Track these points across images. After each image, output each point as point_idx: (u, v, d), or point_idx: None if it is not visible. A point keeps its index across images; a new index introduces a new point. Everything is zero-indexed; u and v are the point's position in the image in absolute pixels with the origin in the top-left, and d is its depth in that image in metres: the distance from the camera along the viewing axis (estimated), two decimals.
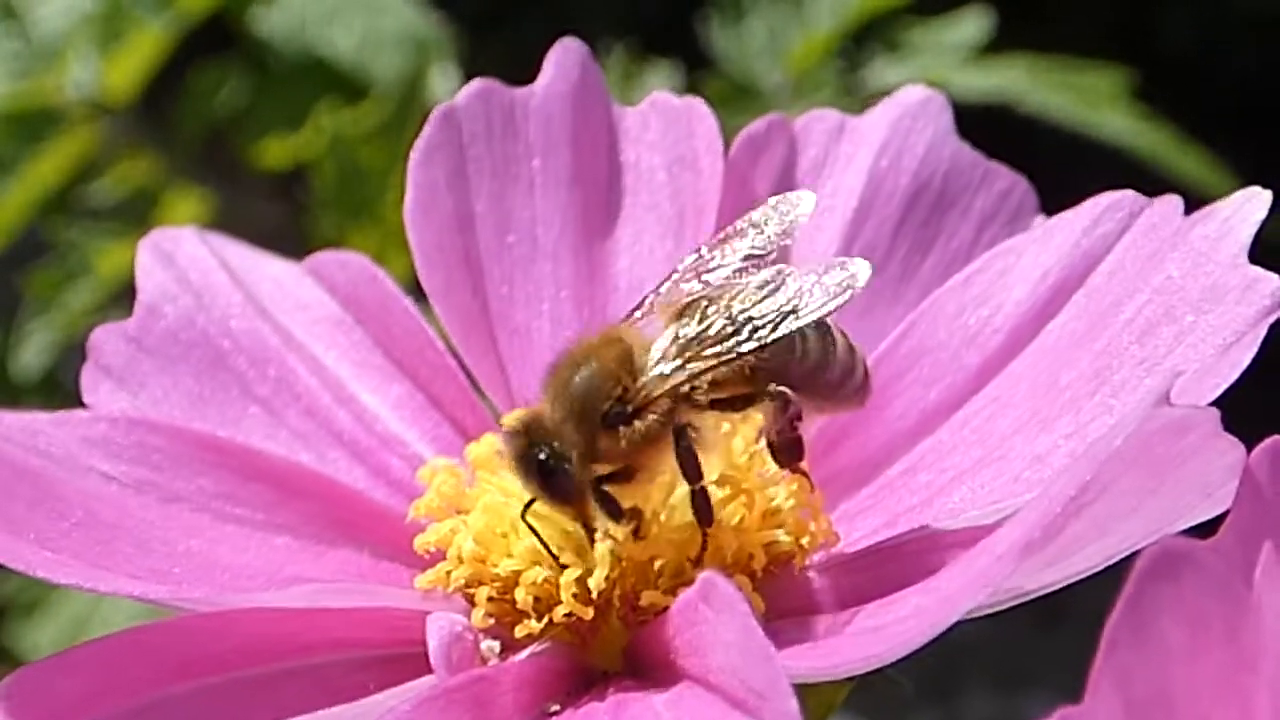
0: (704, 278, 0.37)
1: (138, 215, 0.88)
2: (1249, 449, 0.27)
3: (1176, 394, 0.29)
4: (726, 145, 0.41)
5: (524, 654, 0.34)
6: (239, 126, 0.92)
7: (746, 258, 0.37)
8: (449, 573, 0.35)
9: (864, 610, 0.34)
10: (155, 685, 0.32)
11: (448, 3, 0.97)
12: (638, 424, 0.35)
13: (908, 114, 0.41)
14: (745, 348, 0.35)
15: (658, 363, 0.35)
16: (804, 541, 0.36)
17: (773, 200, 0.39)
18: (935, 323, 0.38)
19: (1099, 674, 0.23)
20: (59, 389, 0.88)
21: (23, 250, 0.91)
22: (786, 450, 0.36)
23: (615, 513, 0.35)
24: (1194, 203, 0.36)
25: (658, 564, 0.35)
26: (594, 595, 0.34)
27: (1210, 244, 0.34)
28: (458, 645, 0.34)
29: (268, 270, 0.41)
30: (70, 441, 0.36)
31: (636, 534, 0.35)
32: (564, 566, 0.35)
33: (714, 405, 0.35)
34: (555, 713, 0.33)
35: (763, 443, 0.36)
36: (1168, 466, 0.29)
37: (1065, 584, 0.32)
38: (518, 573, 0.35)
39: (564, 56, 0.41)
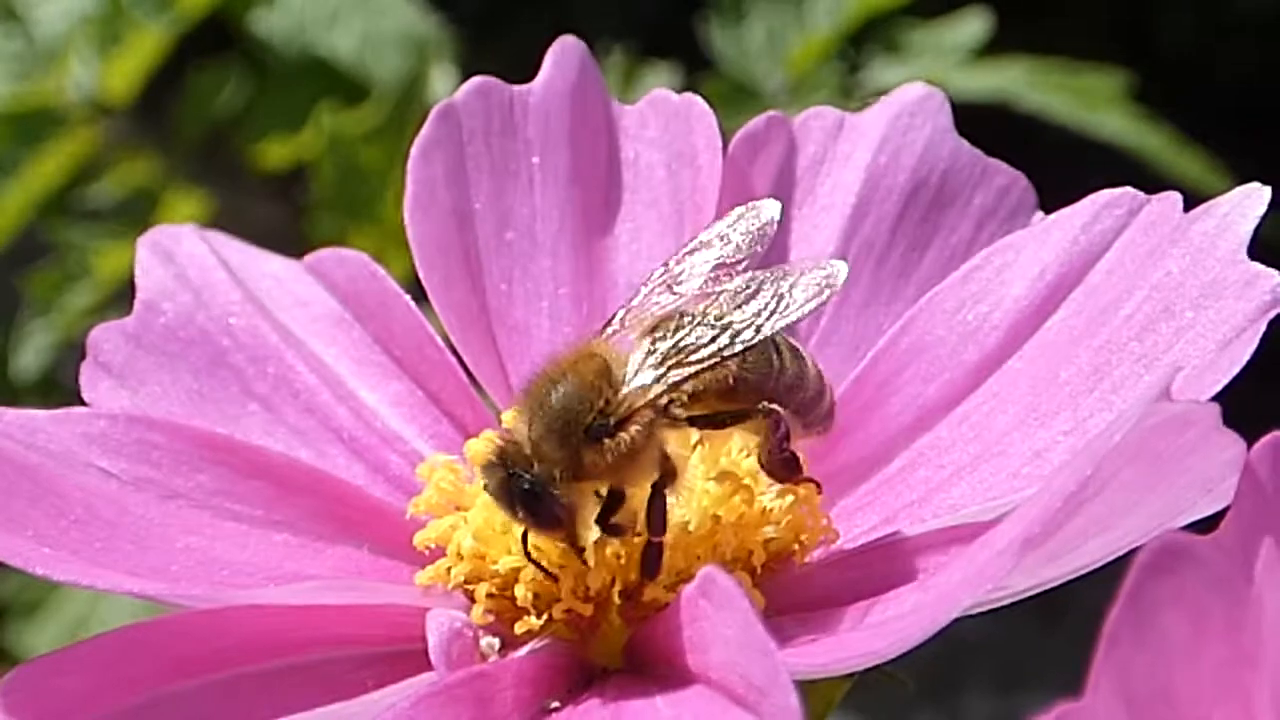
0: (675, 290, 0.37)
1: (137, 216, 0.89)
2: (1249, 444, 0.27)
3: (1176, 390, 0.29)
4: (725, 147, 0.41)
5: (524, 650, 0.34)
6: (239, 127, 0.92)
7: (716, 268, 0.37)
8: (449, 569, 0.35)
9: (864, 606, 0.34)
10: (154, 682, 0.32)
11: (447, 4, 0.97)
12: (622, 436, 0.34)
13: (906, 111, 0.41)
14: (729, 351, 0.34)
15: (637, 373, 0.35)
16: (803, 538, 0.36)
17: (737, 210, 0.38)
18: (934, 319, 0.38)
19: (1099, 669, 0.23)
20: (58, 389, 0.88)
21: (22, 251, 0.91)
22: (783, 467, 0.36)
23: (616, 532, 0.34)
24: (1193, 203, 0.36)
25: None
26: (592, 593, 0.34)
27: (1209, 240, 0.34)
28: (457, 642, 0.34)
29: (267, 267, 0.41)
30: (69, 438, 0.36)
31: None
32: (555, 578, 0.34)
33: (695, 422, 0.35)
34: (555, 709, 0.32)
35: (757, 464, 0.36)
36: (1168, 462, 0.29)
37: (1065, 581, 0.32)
38: (517, 569, 0.35)
39: (563, 54, 0.41)
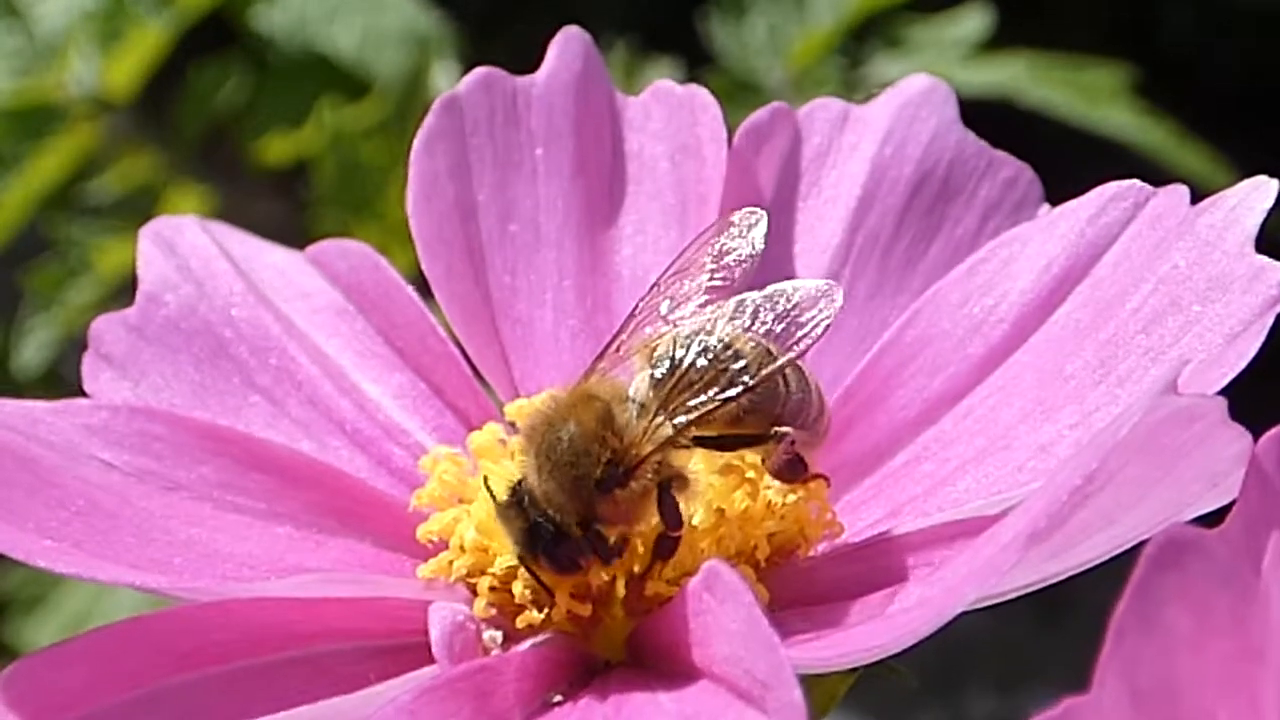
0: (670, 317, 0.37)
1: (139, 212, 0.88)
2: (1256, 438, 0.27)
3: (1183, 383, 0.29)
4: (729, 141, 0.41)
5: (526, 644, 0.34)
6: (240, 123, 0.92)
7: (709, 289, 0.37)
8: (451, 562, 0.35)
9: (868, 601, 0.33)
10: (156, 675, 0.32)
11: (448, 0, 0.97)
12: (633, 485, 0.34)
13: (912, 102, 0.41)
14: (732, 393, 0.34)
15: (640, 417, 0.34)
16: (808, 532, 0.35)
17: (732, 220, 0.38)
18: (939, 312, 0.38)
19: (1105, 663, 0.23)
20: (60, 385, 0.88)
21: (24, 247, 0.91)
22: (789, 470, 0.35)
23: (618, 553, 0.34)
24: (1197, 198, 0.36)
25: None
26: (593, 591, 0.34)
27: (1216, 233, 0.34)
28: (460, 635, 0.33)
29: (269, 259, 0.41)
30: (71, 430, 0.36)
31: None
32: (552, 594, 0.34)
33: (703, 443, 0.35)
34: (558, 703, 0.32)
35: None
36: (1174, 456, 0.29)
37: (1069, 575, 0.32)
38: (517, 566, 0.35)
39: (566, 46, 0.41)
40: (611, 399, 0.35)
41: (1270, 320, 0.33)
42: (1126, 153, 0.82)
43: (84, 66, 0.88)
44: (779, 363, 0.34)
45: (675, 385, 0.34)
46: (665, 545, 0.34)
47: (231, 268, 0.41)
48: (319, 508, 0.37)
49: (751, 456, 0.36)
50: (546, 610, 0.34)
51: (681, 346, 0.35)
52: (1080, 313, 0.36)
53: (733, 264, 0.37)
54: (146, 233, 0.41)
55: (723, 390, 0.34)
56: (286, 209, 0.97)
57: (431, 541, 0.36)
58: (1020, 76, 0.83)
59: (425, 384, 0.40)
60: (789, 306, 0.35)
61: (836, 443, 0.37)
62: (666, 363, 0.35)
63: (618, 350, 0.37)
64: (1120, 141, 0.82)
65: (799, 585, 0.35)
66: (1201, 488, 0.29)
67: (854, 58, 0.87)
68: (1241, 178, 0.35)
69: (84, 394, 0.39)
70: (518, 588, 0.34)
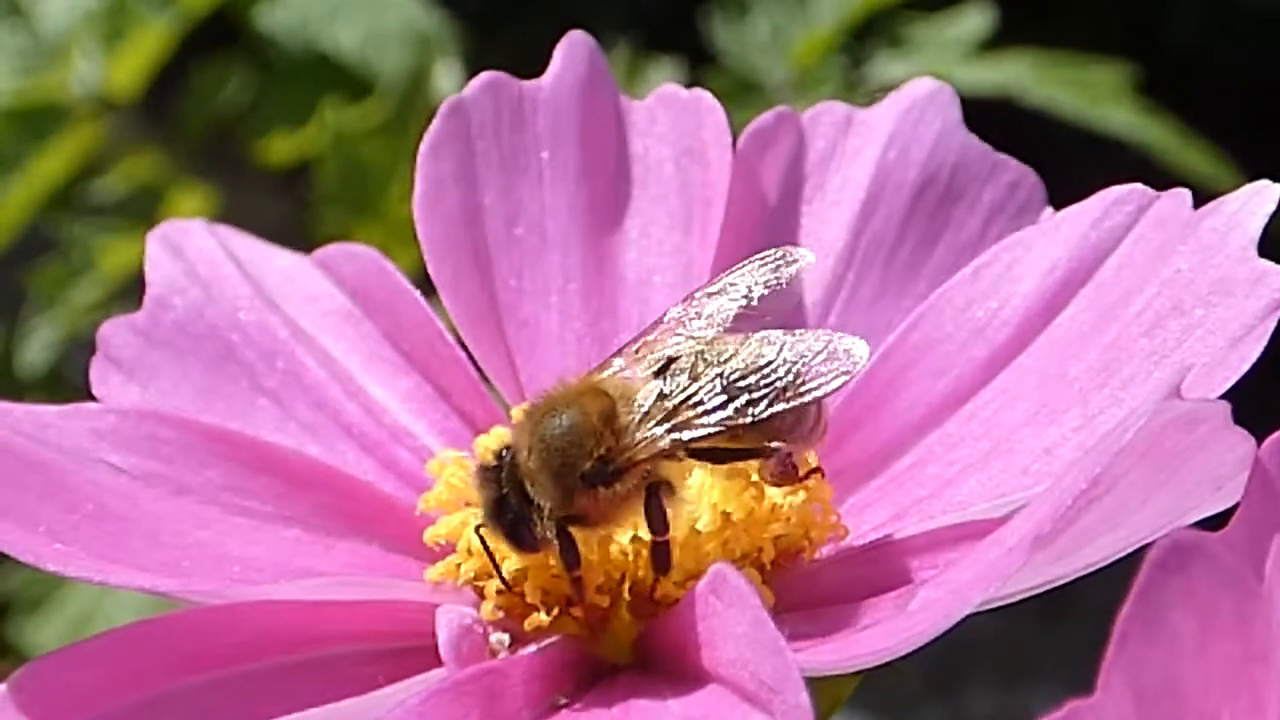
0: (692, 332, 0.37)
1: (142, 212, 0.88)
2: (1259, 442, 0.27)
3: (1186, 387, 0.29)
4: (732, 142, 0.41)
5: (534, 647, 0.34)
6: (243, 123, 0.92)
7: (736, 317, 0.37)
8: (459, 565, 0.35)
9: (873, 604, 0.34)
10: (165, 678, 0.32)
11: (451, 0, 0.97)
12: (618, 487, 0.34)
13: (915, 106, 0.41)
14: (738, 421, 0.34)
15: (643, 423, 0.34)
16: (813, 534, 0.36)
17: (771, 255, 0.38)
18: (943, 315, 0.38)
19: (1110, 667, 0.23)
20: (63, 385, 0.88)
21: (27, 246, 0.91)
22: (784, 475, 0.35)
23: (572, 563, 0.34)
24: (1201, 198, 0.36)
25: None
26: (589, 598, 0.34)
27: (1219, 237, 0.34)
28: (467, 638, 0.34)
29: (276, 263, 0.41)
30: (80, 434, 0.36)
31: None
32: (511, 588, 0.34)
33: (696, 455, 0.35)
34: (565, 705, 0.32)
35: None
36: (1178, 460, 0.29)
37: (1073, 578, 0.32)
38: (525, 568, 0.35)
39: (571, 49, 0.41)
40: (619, 398, 0.35)
41: (1273, 324, 0.33)
42: (1128, 151, 0.82)
43: (87, 66, 0.88)
44: (788, 406, 0.34)
45: (684, 401, 0.34)
46: (660, 557, 0.34)
47: (239, 271, 0.41)
48: (327, 511, 0.37)
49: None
50: (555, 612, 0.34)
51: (700, 364, 0.35)
52: (1084, 316, 0.36)
53: (766, 296, 0.37)
54: (154, 236, 0.41)
55: (729, 418, 0.34)
56: (289, 208, 0.97)
57: (439, 545, 0.36)
58: (1022, 75, 0.83)
59: (432, 387, 0.40)
60: (810, 354, 0.35)
61: (841, 446, 0.37)
62: (681, 377, 0.35)
63: (636, 351, 0.37)
64: (1123, 140, 0.82)
65: (804, 588, 0.35)
66: (1205, 491, 0.30)
67: (856, 57, 0.87)
68: (1245, 178, 0.35)
69: (87, 393, 0.39)
70: (529, 589, 0.35)
